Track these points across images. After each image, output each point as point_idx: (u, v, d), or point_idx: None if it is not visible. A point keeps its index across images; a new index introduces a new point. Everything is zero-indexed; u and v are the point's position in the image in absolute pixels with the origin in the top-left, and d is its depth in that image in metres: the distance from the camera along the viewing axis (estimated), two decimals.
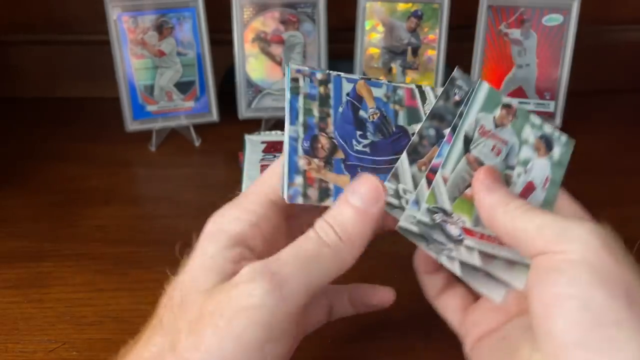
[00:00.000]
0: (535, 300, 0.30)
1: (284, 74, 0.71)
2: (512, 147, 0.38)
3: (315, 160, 0.35)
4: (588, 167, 0.67)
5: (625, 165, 0.68)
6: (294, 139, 0.35)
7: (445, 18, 0.69)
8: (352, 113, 0.37)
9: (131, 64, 0.68)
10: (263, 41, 0.70)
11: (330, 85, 0.37)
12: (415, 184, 0.36)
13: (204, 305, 0.29)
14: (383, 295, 0.40)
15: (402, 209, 0.35)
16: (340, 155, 0.36)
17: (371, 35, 0.70)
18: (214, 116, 0.72)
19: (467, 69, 0.71)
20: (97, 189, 0.64)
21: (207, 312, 0.29)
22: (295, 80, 0.36)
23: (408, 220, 0.35)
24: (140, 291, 0.48)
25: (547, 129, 0.39)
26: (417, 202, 0.35)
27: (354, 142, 0.36)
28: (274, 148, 0.63)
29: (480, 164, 0.36)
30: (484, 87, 0.37)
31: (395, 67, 0.71)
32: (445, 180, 0.36)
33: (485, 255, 0.35)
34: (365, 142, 0.37)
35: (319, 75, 0.37)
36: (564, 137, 0.39)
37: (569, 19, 0.68)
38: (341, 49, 0.72)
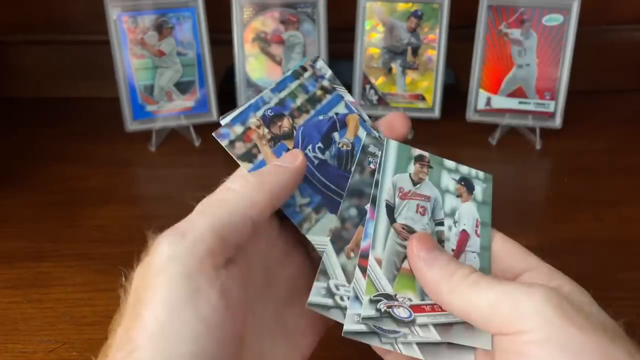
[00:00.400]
0: None
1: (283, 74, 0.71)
2: (436, 201, 0.36)
3: (265, 130, 0.35)
4: (588, 167, 0.67)
5: (625, 165, 0.68)
6: (262, 101, 0.35)
7: (445, 18, 0.69)
8: (327, 128, 0.36)
9: (131, 64, 0.68)
10: (263, 41, 0.70)
11: (328, 96, 0.37)
12: (348, 276, 0.33)
13: (135, 284, 0.29)
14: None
15: (339, 307, 0.32)
16: (289, 145, 0.35)
17: (371, 35, 0.70)
18: (214, 116, 0.72)
19: (467, 69, 0.71)
20: (97, 189, 0.64)
21: (138, 289, 0.29)
22: (303, 68, 0.37)
23: (352, 321, 0.32)
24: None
25: (463, 170, 0.37)
26: (356, 298, 0.32)
27: (310, 147, 0.36)
28: None
29: (410, 230, 0.34)
30: (392, 146, 0.36)
31: (395, 67, 0.71)
32: (379, 263, 0.33)
33: (442, 327, 0.32)
34: (320, 156, 0.36)
35: (325, 82, 0.37)
36: (481, 174, 0.37)
37: (569, 19, 0.68)
38: (341, 49, 0.72)
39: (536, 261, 0.33)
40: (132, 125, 0.70)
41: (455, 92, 0.76)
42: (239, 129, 0.35)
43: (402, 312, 0.32)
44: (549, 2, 0.68)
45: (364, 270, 0.33)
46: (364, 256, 0.33)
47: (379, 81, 0.72)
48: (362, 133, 0.36)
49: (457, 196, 0.36)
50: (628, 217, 0.60)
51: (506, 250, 0.35)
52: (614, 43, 0.80)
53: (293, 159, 0.33)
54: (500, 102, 0.71)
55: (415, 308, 0.32)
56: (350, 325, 0.32)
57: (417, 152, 0.36)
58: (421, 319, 0.32)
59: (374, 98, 0.72)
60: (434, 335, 0.32)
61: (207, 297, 0.28)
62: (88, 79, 0.79)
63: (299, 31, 0.70)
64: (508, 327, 0.29)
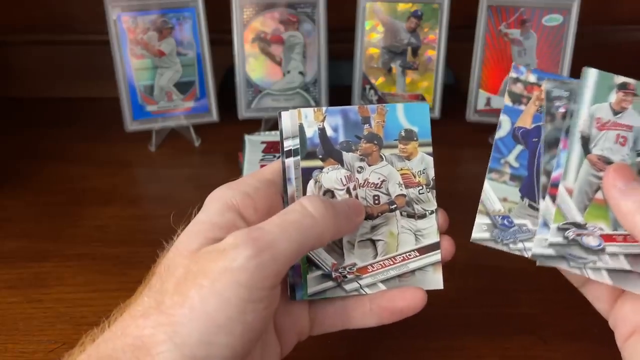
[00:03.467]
0: None
1: (283, 74, 0.71)
2: (639, 131, 0.34)
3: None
4: None
5: None
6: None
7: (445, 18, 0.69)
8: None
9: (131, 64, 0.68)
10: (263, 41, 0.70)
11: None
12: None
13: (188, 267, 0.31)
14: (412, 297, 0.37)
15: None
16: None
17: (371, 35, 0.70)
18: (214, 116, 0.72)
19: (467, 69, 0.71)
20: (97, 189, 0.64)
21: (191, 273, 0.30)
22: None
23: (540, 245, 0.33)
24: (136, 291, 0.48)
25: None
26: (545, 224, 0.33)
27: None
28: (273, 148, 0.63)
29: (607, 161, 0.33)
30: (591, 75, 0.34)
31: (395, 67, 0.71)
32: (570, 192, 0.33)
33: (633, 257, 0.33)
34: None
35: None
36: None
37: (569, 19, 0.68)
38: (341, 49, 0.72)
39: None
40: (132, 125, 0.70)
41: (455, 92, 0.76)
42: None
43: (591, 241, 0.33)
44: (549, 2, 0.68)
45: (553, 198, 0.33)
46: (554, 185, 0.33)
47: (379, 81, 0.72)
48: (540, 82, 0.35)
49: None
50: None
51: None
52: (614, 43, 0.80)
53: (358, 213, 0.36)
54: (500, 102, 0.71)
55: (607, 237, 0.33)
56: (538, 248, 0.33)
57: (620, 79, 0.34)
58: (611, 248, 0.33)
59: (374, 98, 0.72)
60: (623, 264, 0.33)
61: (256, 307, 0.30)
62: (88, 79, 0.79)
63: (299, 31, 0.70)
64: None
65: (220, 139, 0.71)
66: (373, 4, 0.69)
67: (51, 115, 0.77)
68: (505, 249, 0.35)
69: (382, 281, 0.37)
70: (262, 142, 0.64)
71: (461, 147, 0.69)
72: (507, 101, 0.36)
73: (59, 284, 0.50)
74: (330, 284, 0.37)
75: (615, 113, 0.34)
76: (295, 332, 0.38)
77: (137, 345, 0.29)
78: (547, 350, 0.44)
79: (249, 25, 0.69)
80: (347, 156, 0.38)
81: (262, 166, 0.61)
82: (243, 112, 0.72)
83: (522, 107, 0.36)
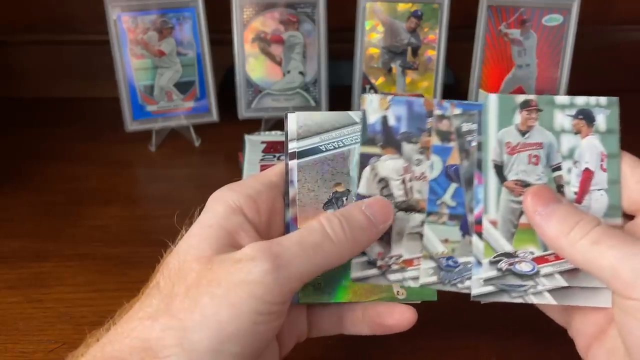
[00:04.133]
0: (628, 339, 0.29)
1: (283, 74, 0.71)
2: (550, 145, 0.34)
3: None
4: None
5: None
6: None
7: (445, 18, 0.69)
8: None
9: (131, 64, 0.68)
10: (263, 41, 0.70)
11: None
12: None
13: (202, 273, 0.30)
14: (401, 315, 0.36)
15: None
16: None
17: (371, 35, 0.70)
18: (214, 116, 0.72)
19: (467, 69, 0.71)
20: (97, 189, 0.64)
21: (205, 280, 0.30)
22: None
23: (478, 284, 0.33)
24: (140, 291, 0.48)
25: (579, 101, 0.34)
26: (478, 263, 0.33)
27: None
28: (273, 148, 0.63)
29: (524, 184, 0.33)
30: (492, 100, 0.34)
31: (395, 67, 0.71)
32: (494, 224, 0.33)
33: (568, 273, 0.33)
34: None
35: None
36: (603, 100, 0.34)
37: (569, 19, 0.68)
38: (341, 49, 0.72)
39: None
40: (132, 125, 0.70)
41: (455, 92, 0.76)
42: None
43: (524, 267, 0.33)
44: (549, 2, 0.68)
45: (479, 235, 0.33)
46: (478, 222, 0.33)
47: (379, 81, 0.72)
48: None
49: (576, 133, 0.34)
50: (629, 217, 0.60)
51: (636, 177, 0.33)
52: (614, 43, 0.80)
53: (385, 218, 0.35)
54: None
55: (539, 260, 0.33)
56: (477, 288, 0.33)
57: (521, 98, 0.34)
58: (546, 269, 0.33)
59: None
60: (560, 282, 0.33)
61: (269, 318, 0.30)
62: (88, 79, 0.79)
63: (299, 31, 0.70)
64: (629, 292, 0.29)
65: (220, 139, 0.71)
66: (373, 4, 0.69)
67: (51, 115, 0.77)
68: (453, 289, 0.35)
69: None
70: (262, 142, 0.64)
71: None
72: (435, 141, 0.35)
73: (59, 284, 0.50)
74: (374, 271, 0.36)
75: (523, 134, 0.34)
76: (294, 334, 0.38)
77: (145, 347, 0.29)
78: (547, 350, 0.44)
79: (249, 25, 0.69)
80: (406, 147, 0.36)
81: (262, 166, 0.61)
82: (243, 112, 0.72)
83: (452, 144, 0.35)
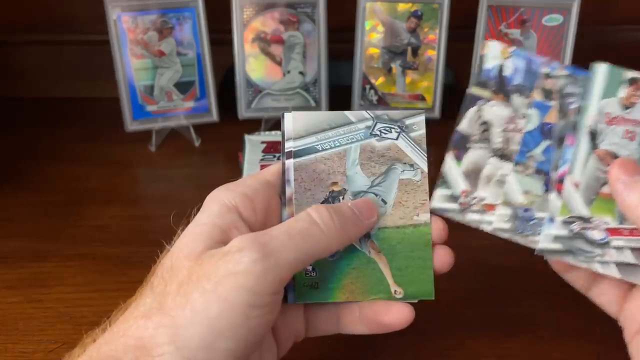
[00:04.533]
0: None
1: (283, 74, 0.71)
2: None
3: None
4: None
5: None
6: None
7: (445, 18, 0.69)
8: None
9: (131, 64, 0.68)
10: (263, 41, 0.70)
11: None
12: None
13: (192, 269, 0.30)
14: (398, 313, 0.36)
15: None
16: None
17: (371, 35, 0.70)
18: (214, 116, 0.72)
19: (467, 69, 0.71)
20: (97, 189, 0.64)
21: (195, 275, 0.30)
22: None
23: (546, 240, 0.33)
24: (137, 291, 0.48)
25: None
26: (551, 219, 0.33)
27: None
28: (273, 148, 0.63)
29: (614, 156, 0.33)
30: (601, 70, 0.34)
31: (395, 67, 0.71)
32: (576, 186, 0.33)
33: (638, 251, 0.33)
34: None
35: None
36: None
37: (569, 19, 0.68)
38: (341, 49, 0.72)
39: None
40: (132, 125, 0.70)
41: (455, 92, 0.76)
42: None
43: (596, 234, 0.33)
44: (549, 2, 0.68)
45: (559, 193, 0.34)
46: (560, 181, 0.34)
47: (379, 81, 0.72)
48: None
49: None
50: None
51: None
52: (614, 43, 0.80)
53: (370, 214, 0.36)
54: None
55: (613, 231, 0.33)
56: (544, 243, 0.34)
57: (630, 74, 0.34)
58: (617, 241, 0.33)
59: (374, 98, 0.72)
60: (629, 258, 0.33)
61: (260, 312, 0.30)
62: (88, 79, 0.79)
63: (299, 31, 0.70)
64: None
65: (220, 139, 0.71)
66: (373, 4, 0.69)
67: (51, 115, 0.77)
68: (522, 241, 0.35)
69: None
70: (262, 142, 0.64)
71: None
72: (537, 97, 0.36)
73: (59, 284, 0.50)
74: (454, 206, 0.36)
75: (625, 108, 0.34)
76: (292, 334, 0.38)
77: (138, 346, 0.29)
78: (547, 350, 0.44)
79: (249, 25, 0.69)
80: (516, 99, 0.36)
81: (262, 166, 0.61)
82: (243, 112, 0.72)
83: (552, 103, 0.35)
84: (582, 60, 0.69)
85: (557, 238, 0.33)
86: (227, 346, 0.29)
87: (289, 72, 0.71)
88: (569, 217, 0.33)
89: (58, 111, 0.78)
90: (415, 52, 0.71)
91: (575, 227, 0.33)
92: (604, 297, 0.36)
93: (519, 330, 0.45)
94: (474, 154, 0.36)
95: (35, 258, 0.53)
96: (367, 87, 0.72)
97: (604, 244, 0.33)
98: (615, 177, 0.32)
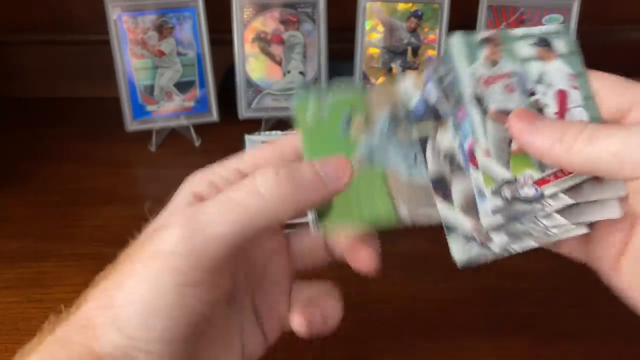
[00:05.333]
0: None
1: (283, 74, 0.71)
2: (520, 74, 0.34)
3: None
4: None
5: None
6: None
7: (445, 18, 0.69)
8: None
9: (131, 64, 0.68)
10: (263, 41, 0.70)
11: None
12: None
13: (132, 249, 0.31)
14: (367, 256, 0.34)
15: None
16: None
17: (371, 35, 0.70)
18: (214, 116, 0.72)
19: None
20: (97, 189, 0.64)
21: (129, 255, 0.30)
22: None
23: (487, 216, 0.33)
24: None
25: (534, 31, 0.35)
26: (481, 194, 0.33)
27: None
28: None
29: (506, 112, 0.33)
30: (455, 41, 0.34)
31: (395, 67, 0.71)
32: (488, 154, 0.33)
33: (571, 190, 0.32)
34: None
35: None
36: (553, 28, 0.35)
37: (569, 18, 0.68)
38: (341, 49, 0.72)
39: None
40: (132, 125, 0.70)
41: None
42: None
43: (528, 191, 0.32)
44: (549, 2, 0.68)
45: (476, 167, 0.33)
46: (472, 154, 0.33)
47: (379, 81, 0.72)
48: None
49: (540, 59, 0.34)
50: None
51: (608, 89, 0.33)
52: (614, 43, 0.80)
53: (338, 175, 0.31)
54: None
55: (539, 182, 0.32)
56: (486, 220, 0.33)
57: (482, 35, 0.35)
58: (548, 189, 0.32)
59: None
60: (566, 200, 0.32)
61: (195, 291, 0.28)
62: (88, 79, 0.79)
63: (299, 31, 0.70)
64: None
65: (220, 139, 0.71)
66: (373, 3, 0.69)
67: (51, 115, 0.77)
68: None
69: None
70: (263, 142, 0.64)
71: None
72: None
73: (59, 284, 0.50)
74: (475, 246, 0.34)
75: (492, 66, 0.34)
76: (276, 315, 0.35)
77: (85, 326, 0.29)
78: (547, 350, 0.44)
79: (249, 25, 0.69)
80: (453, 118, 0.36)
81: None
82: (243, 112, 0.72)
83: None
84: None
85: (495, 211, 0.33)
86: (164, 325, 0.28)
87: (289, 72, 0.71)
88: (495, 186, 0.33)
89: (58, 111, 0.78)
90: (415, 52, 0.71)
91: (506, 192, 0.33)
92: (567, 250, 0.35)
93: (519, 330, 0.45)
94: (458, 187, 0.35)
95: (35, 258, 0.53)
96: (367, 87, 0.72)
97: (540, 197, 0.33)
98: (518, 132, 0.31)
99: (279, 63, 0.71)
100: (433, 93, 0.35)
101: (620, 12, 0.79)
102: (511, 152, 0.33)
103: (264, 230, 0.30)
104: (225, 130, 0.71)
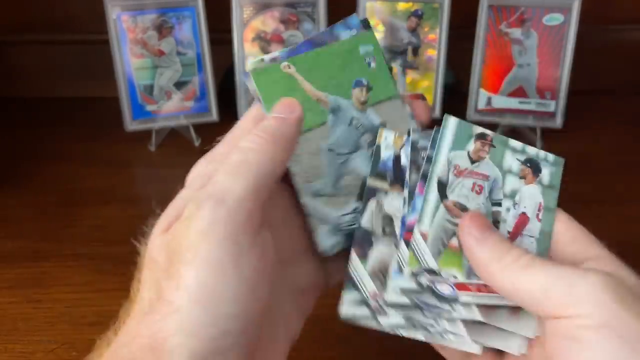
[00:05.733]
0: None
1: None
2: (495, 181, 0.34)
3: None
4: (589, 166, 0.67)
5: (627, 164, 0.68)
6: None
7: (446, 18, 0.69)
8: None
9: (131, 63, 0.68)
10: (263, 41, 0.70)
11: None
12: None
13: (168, 246, 0.30)
14: None
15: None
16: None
17: None
18: (214, 116, 0.72)
19: (467, 68, 0.71)
20: (97, 189, 0.63)
21: (173, 252, 0.29)
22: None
23: (395, 292, 0.33)
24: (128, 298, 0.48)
25: (531, 151, 0.35)
26: (399, 270, 0.33)
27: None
28: None
29: (462, 208, 0.33)
30: (451, 123, 0.34)
31: (396, 66, 0.71)
32: (424, 237, 0.33)
33: (485, 308, 0.32)
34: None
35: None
36: (551, 157, 0.35)
37: (570, 18, 0.68)
38: None
39: (599, 250, 0.32)
40: (132, 125, 0.70)
41: (455, 92, 0.76)
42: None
43: (444, 289, 0.32)
44: (550, 2, 0.68)
45: (407, 243, 0.33)
46: (409, 229, 0.33)
47: None
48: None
49: (521, 177, 0.35)
50: (628, 217, 0.60)
51: (569, 235, 0.34)
52: (614, 43, 0.80)
53: (291, 109, 0.34)
54: (501, 101, 0.71)
55: (460, 286, 0.32)
56: (392, 296, 0.33)
57: (479, 130, 0.35)
58: (465, 297, 0.32)
59: None
60: (476, 315, 0.32)
61: (249, 259, 0.28)
62: (88, 79, 0.79)
63: (299, 31, 0.70)
64: (561, 311, 0.28)
65: (220, 138, 0.71)
66: (373, 3, 0.69)
67: (51, 115, 0.77)
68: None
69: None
70: None
71: None
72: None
73: (59, 284, 0.50)
74: (365, 311, 0.34)
75: (473, 162, 0.34)
76: (314, 288, 0.36)
77: (152, 345, 0.28)
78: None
79: (249, 25, 0.69)
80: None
81: None
82: (243, 112, 0.71)
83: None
84: (583, 59, 0.69)
85: (404, 291, 0.32)
86: (232, 310, 0.28)
87: None
88: (417, 269, 0.32)
89: (58, 111, 0.78)
90: (415, 51, 0.71)
91: (424, 280, 0.32)
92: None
93: None
94: (379, 252, 0.34)
95: (34, 258, 0.53)
96: None
97: (453, 300, 0.32)
98: (466, 231, 0.32)
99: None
100: (405, 159, 0.35)
101: (620, 12, 0.79)
102: (448, 246, 0.33)
103: (273, 179, 0.31)
104: (225, 130, 0.70)
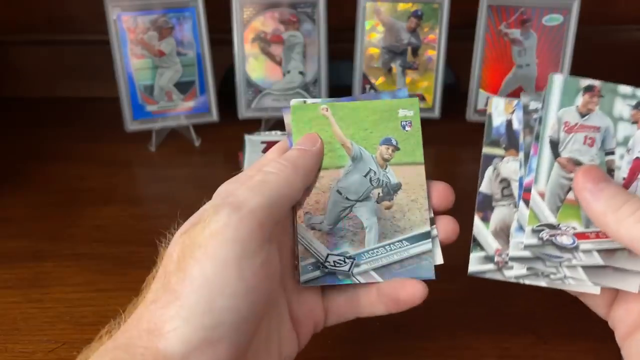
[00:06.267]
0: None
1: (283, 74, 0.71)
2: (607, 130, 0.35)
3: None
4: None
5: None
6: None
7: (445, 18, 0.69)
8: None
9: (131, 64, 0.68)
10: (263, 41, 0.70)
11: None
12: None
13: (184, 243, 0.32)
14: (413, 288, 0.37)
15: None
16: None
17: (371, 35, 0.70)
18: (214, 116, 0.72)
19: (467, 69, 0.71)
20: (97, 189, 0.64)
21: (187, 248, 0.32)
22: None
23: (517, 248, 0.35)
24: (140, 291, 0.48)
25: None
26: (520, 228, 0.35)
27: None
28: None
29: (576, 163, 0.34)
30: (558, 80, 0.35)
31: (395, 67, 0.71)
32: (542, 195, 0.34)
33: (605, 252, 0.34)
34: None
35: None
36: None
37: (569, 18, 0.68)
38: (341, 49, 0.72)
39: None
40: (132, 125, 0.70)
41: (455, 92, 0.76)
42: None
43: (565, 240, 0.34)
44: (549, 2, 0.68)
45: (526, 202, 0.35)
46: (527, 190, 0.35)
47: (379, 81, 0.72)
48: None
49: (633, 122, 0.35)
50: None
51: None
52: (614, 43, 0.80)
53: (313, 142, 0.38)
54: None
55: (580, 235, 0.34)
56: (515, 252, 0.35)
57: (586, 82, 0.35)
58: (585, 245, 0.34)
59: None
60: (597, 260, 0.34)
61: (252, 263, 0.31)
62: (88, 79, 0.79)
63: (299, 31, 0.70)
64: None
65: (220, 139, 0.71)
66: (373, 3, 0.69)
67: (51, 115, 0.77)
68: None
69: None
70: (262, 142, 0.64)
71: (461, 146, 0.69)
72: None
73: (59, 283, 0.50)
74: (491, 266, 0.37)
75: (582, 115, 0.35)
76: (312, 321, 0.39)
77: (151, 328, 0.30)
78: (547, 350, 0.44)
79: (249, 25, 0.69)
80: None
81: None
82: (243, 112, 0.72)
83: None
84: (583, 59, 0.69)
85: (527, 246, 0.34)
86: (228, 304, 0.30)
87: (289, 72, 0.71)
88: (537, 226, 0.34)
89: (58, 111, 0.78)
90: (415, 52, 0.71)
91: (545, 234, 0.34)
92: (593, 302, 0.37)
93: (519, 330, 0.45)
94: (499, 213, 0.37)
95: (34, 258, 0.53)
96: (367, 87, 0.72)
97: (573, 248, 0.34)
98: (581, 186, 0.33)
99: (279, 63, 0.71)
100: (517, 123, 0.36)
101: (620, 12, 0.79)
102: (565, 200, 0.34)
103: (288, 202, 0.35)
104: (225, 130, 0.71)
